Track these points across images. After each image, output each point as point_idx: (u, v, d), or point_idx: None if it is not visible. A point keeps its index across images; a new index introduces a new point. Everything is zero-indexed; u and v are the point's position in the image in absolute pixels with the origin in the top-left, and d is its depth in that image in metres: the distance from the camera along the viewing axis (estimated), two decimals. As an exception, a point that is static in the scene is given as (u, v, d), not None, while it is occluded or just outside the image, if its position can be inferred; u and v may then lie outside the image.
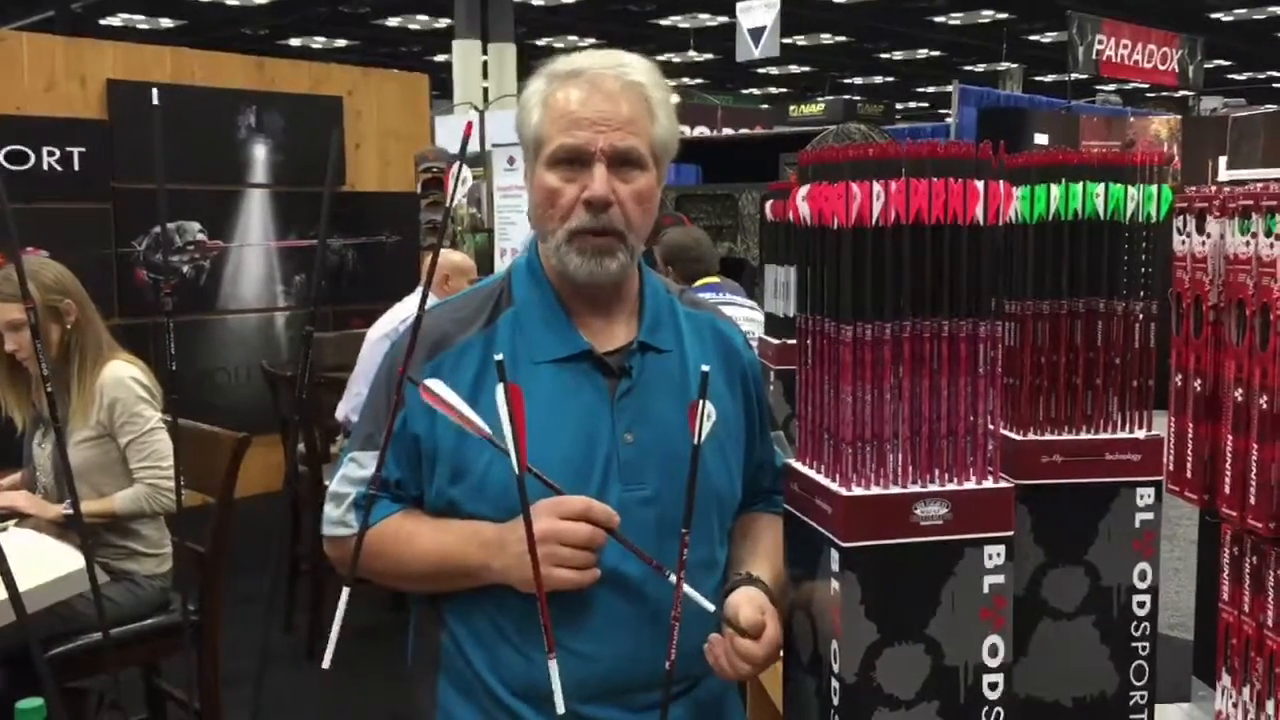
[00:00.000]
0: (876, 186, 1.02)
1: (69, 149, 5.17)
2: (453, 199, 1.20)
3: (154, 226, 5.52)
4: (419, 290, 1.18)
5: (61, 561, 2.19)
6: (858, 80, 27.15)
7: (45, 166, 5.14)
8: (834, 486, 1.05)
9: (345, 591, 0.99)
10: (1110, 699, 1.26)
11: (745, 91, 28.07)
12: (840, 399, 1.05)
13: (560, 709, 1.01)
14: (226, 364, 5.77)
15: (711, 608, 1.17)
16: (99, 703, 2.52)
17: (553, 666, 1.00)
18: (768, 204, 2.22)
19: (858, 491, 1.04)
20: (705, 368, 1.04)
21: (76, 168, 5.20)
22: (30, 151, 5.09)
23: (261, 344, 5.90)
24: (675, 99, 1.38)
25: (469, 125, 1.07)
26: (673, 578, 1.17)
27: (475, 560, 1.26)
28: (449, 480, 1.29)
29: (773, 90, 28.08)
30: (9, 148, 5.04)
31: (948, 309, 1.05)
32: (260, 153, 5.93)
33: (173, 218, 5.60)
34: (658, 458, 1.29)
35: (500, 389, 1.00)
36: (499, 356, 0.97)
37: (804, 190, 1.11)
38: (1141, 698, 1.26)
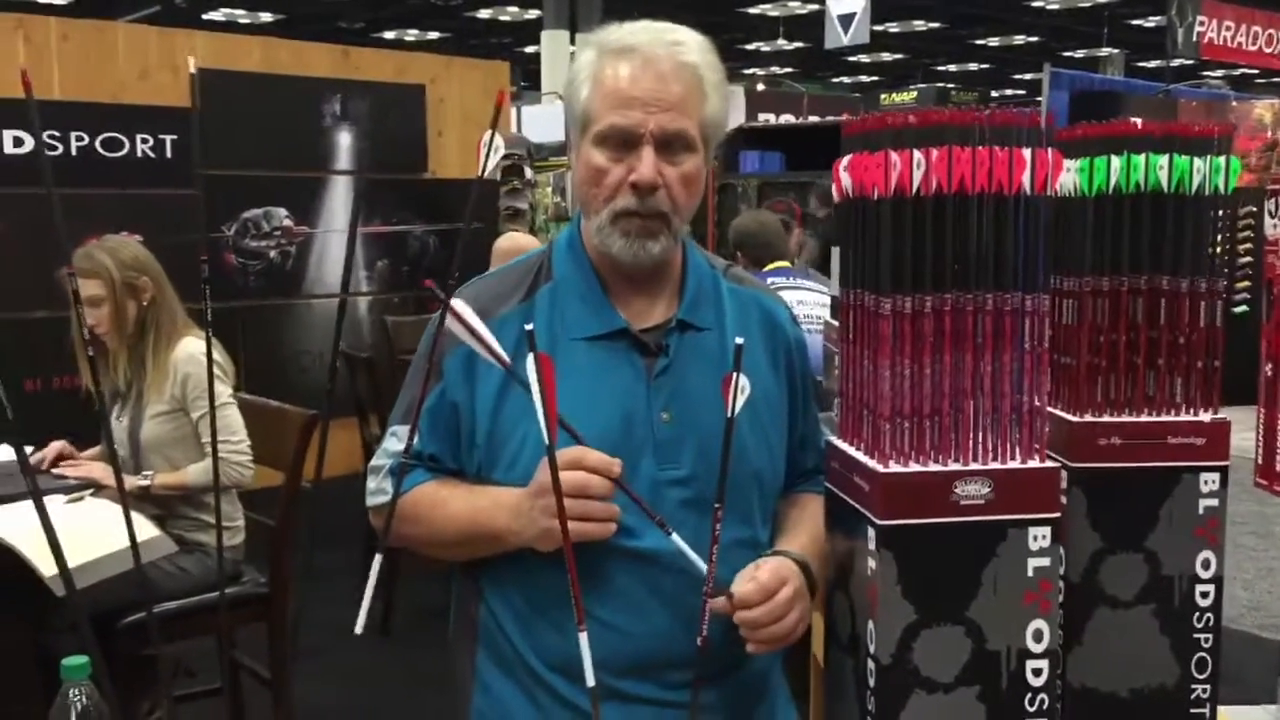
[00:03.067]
0: (917, 155, 0.99)
1: (161, 136, 5.31)
2: (484, 169, 1.19)
3: (242, 212, 5.65)
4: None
5: (138, 529, 2.24)
6: (952, 67, 26.64)
7: (139, 153, 5.29)
8: (871, 464, 1.03)
9: (377, 559, 0.99)
10: (1170, 692, 1.22)
11: (836, 80, 27.74)
12: (879, 374, 1.03)
13: (590, 681, 1.00)
14: (310, 347, 5.88)
15: (704, 569, 1.15)
16: (174, 670, 2.59)
17: (583, 639, 0.99)
18: (834, 186, 2.20)
19: (895, 469, 1.01)
20: (739, 340, 1.03)
21: (169, 154, 5.34)
22: (125, 139, 5.24)
23: (345, 328, 6.00)
24: (725, 79, 1.35)
25: (501, 94, 1.07)
26: (674, 535, 1.16)
27: (500, 524, 1.25)
28: (485, 450, 1.29)
29: (864, 79, 27.70)
30: (105, 135, 5.20)
31: (992, 282, 1.01)
32: (344, 140, 6.03)
33: (259, 204, 5.73)
34: (695, 437, 1.28)
35: (530, 359, 0.99)
36: (529, 326, 0.97)
37: (845, 161, 1.08)
38: (1204, 691, 1.21)
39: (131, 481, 2.62)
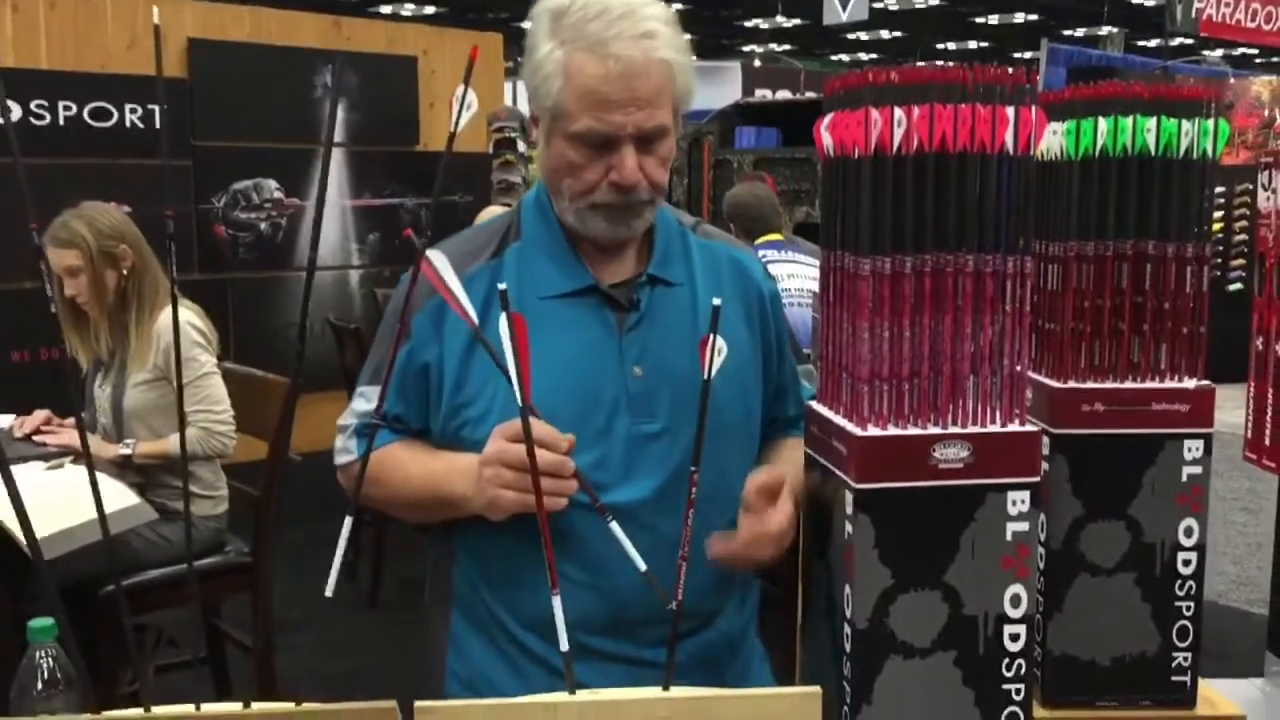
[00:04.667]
0: (898, 112, 0.97)
1: (150, 106, 5.27)
2: (456, 124, 1.18)
3: (233, 183, 5.61)
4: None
5: (117, 497, 2.24)
6: (951, 45, 26.52)
7: (128, 124, 5.25)
8: (849, 427, 1.01)
9: (347, 521, 0.98)
10: (1151, 659, 1.21)
11: (835, 58, 27.61)
12: (858, 336, 1.01)
13: (564, 646, 0.99)
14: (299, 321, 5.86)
15: (643, 566, 1.13)
16: (157, 639, 2.58)
17: (556, 603, 0.98)
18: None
19: (873, 432, 1.00)
20: (717, 301, 1.01)
21: (158, 124, 5.31)
22: (113, 109, 5.20)
23: (334, 300, 5.98)
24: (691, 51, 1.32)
25: (474, 49, 1.05)
26: (613, 524, 1.14)
27: (457, 490, 1.24)
28: (453, 409, 1.28)
29: (862, 56, 27.57)
30: (94, 104, 5.16)
31: (974, 243, 1.00)
32: (338, 113, 5.99)
33: (249, 175, 5.69)
34: (668, 391, 1.27)
35: (504, 319, 0.97)
36: (503, 285, 0.95)
37: (827, 119, 1.06)
38: (1185, 660, 1.21)
39: (113, 450, 2.60)
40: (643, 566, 1.11)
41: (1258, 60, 20.16)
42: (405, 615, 3.70)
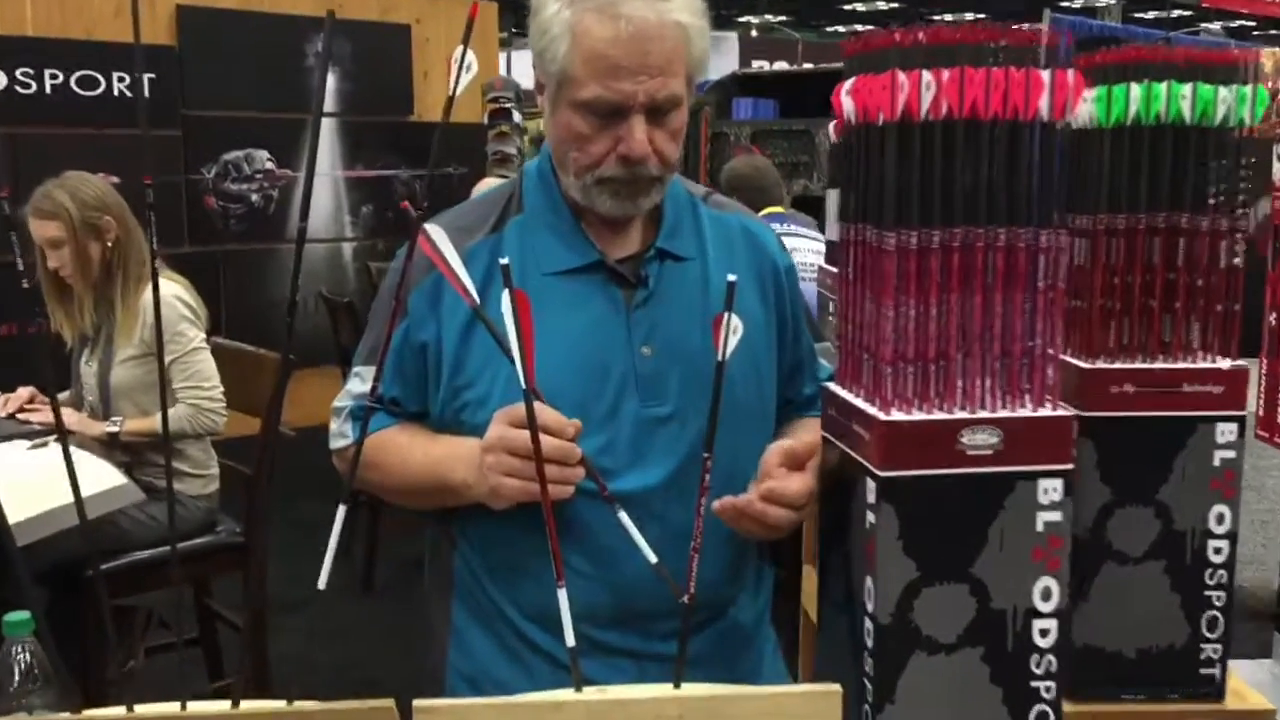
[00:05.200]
0: (927, 76, 0.91)
1: (139, 75, 5.18)
2: (456, 87, 1.11)
3: (223, 154, 5.53)
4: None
5: (102, 477, 2.18)
6: (947, 16, 26.32)
7: (115, 92, 5.15)
8: (872, 410, 0.96)
9: (341, 510, 0.92)
10: (1179, 651, 1.16)
11: (830, 29, 27.41)
12: (881, 315, 0.95)
13: (570, 641, 0.94)
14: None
15: (654, 558, 1.08)
16: (146, 621, 2.53)
17: (562, 596, 0.93)
18: (831, 124, 2.11)
19: (898, 416, 0.94)
20: (732, 277, 0.95)
21: (146, 94, 5.21)
22: (100, 77, 5.11)
23: (327, 273, 5.91)
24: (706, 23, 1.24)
25: (474, 7, 0.98)
26: (621, 514, 1.09)
27: (458, 477, 1.19)
28: (452, 391, 1.22)
29: (859, 27, 27.35)
30: (80, 73, 5.06)
31: (1005, 215, 0.94)
32: (328, 81, 5.88)
33: (241, 145, 5.60)
34: (678, 372, 1.21)
35: (505, 296, 0.92)
36: (504, 261, 0.89)
37: (848, 84, 1.00)
38: (1214, 651, 1.16)
39: (100, 428, 2.54)
40: (653, 559, 1.06)
41: (1255, 32, 20.03)
42: (401, 598, 3.65)
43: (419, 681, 1.30)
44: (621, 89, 1.14)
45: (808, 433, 1.26)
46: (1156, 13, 20.35)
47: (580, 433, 1.10)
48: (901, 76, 0.91)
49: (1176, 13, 10.94)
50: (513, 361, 0.90)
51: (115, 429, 2.54)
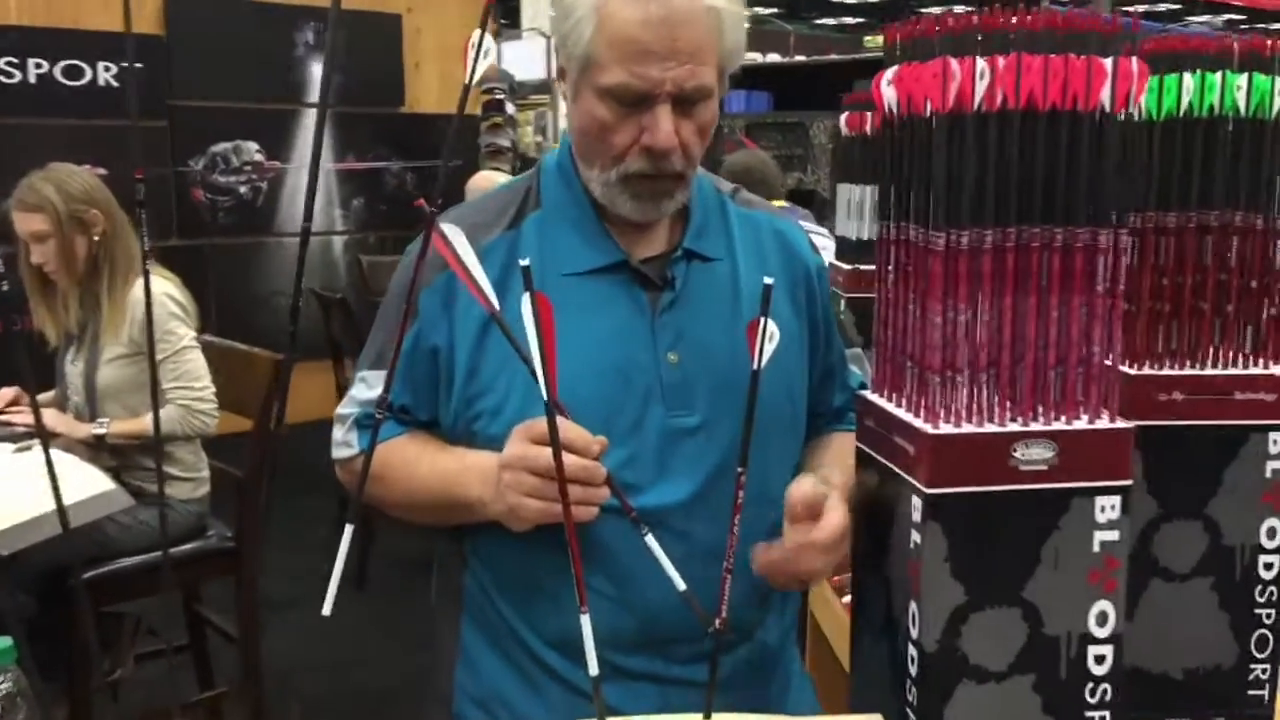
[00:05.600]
0: (981, 63, 0.85)
1: (125, 64, 5.08)
2: (472, 75, 1.05)
3: (211, 145, 5.43)
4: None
5: (89, 482, 2.11)
6: (936, 10, 26.22)
7: (101, 82, 5.06)
8: (918, 423, 0.90)
9: (348, 531, 0.86)
10: (1226, 672, 1.11)
11: (819, 22, 27.33)
12: (927, 320, 0.89)
13: (594, 669, 0.88)
14: (284, 288, 5.68)
15: (682, 585, 1.01)
16: (135, 628, 2.46)
17: (585, 623, 0.87)
18: (843, 118, 2.05)
19: (946, 430, 0.88)
20: (769, 280, 0.89)
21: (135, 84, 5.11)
22: (86, 66, 5.01)
23: (318, 268, 5.82)
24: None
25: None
26: (649, 538, 1.02)
27: (474, 493, 1.11)
28: (465, 400, 1.15)
29: (848, 20, 27.28)
30: (65, 62, 4.96)
31: (1062, 214, 0.88)
32: (318, 71, 5.80)
33: (229, 137, 5.51)
34: (706, 381, 1.14)
35: (526, 299, 0.85)
36: (525, 262, 0.82)
37: (890, 73, 0.93)
38: (1263, 672, 1.10)
39: (86, 429, 2.45)
40: (682, 586, 0.99)
41: (1243, 26, 20.02)
42: (395, 596, 3.58)
43: (424, 702, 1.24)
44: (648, 75, 1.07)
45: (835, 456, 1.19)
46: (1146, 6, 20.33)
47: (605, 450, 1.03)
48: (954, 64, 0.85)
49: (1164, 5, 10.91)
50: (533, 373, 0.83)
51: (102, 431, 2.46)
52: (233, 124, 5.52)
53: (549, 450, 1.01)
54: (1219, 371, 1.07)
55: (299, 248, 0.73)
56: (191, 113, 5.31)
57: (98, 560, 2.34)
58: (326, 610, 0.88)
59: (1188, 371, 1.07)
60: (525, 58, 10.80)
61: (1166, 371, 1.07)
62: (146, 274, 0.78)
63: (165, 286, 2.52)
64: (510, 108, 5.78)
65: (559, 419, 0.88)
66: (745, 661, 1.16)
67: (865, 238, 1.96)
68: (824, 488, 1.06)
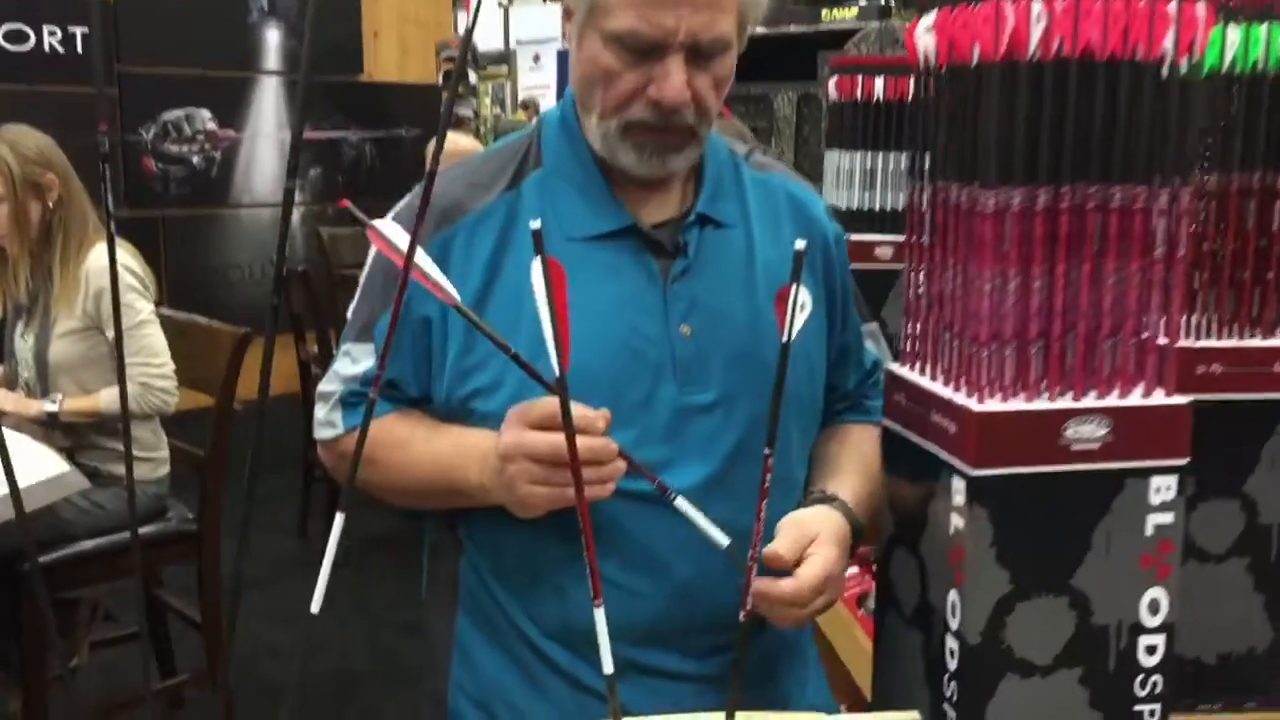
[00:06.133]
0: (1037, 7, 0.78)
1: (71, 28, 4.88)
2: (471, 27, 0.98)
3: (162, 113, 5.25)
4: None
5: (43, 464, 1.99)
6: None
7: (46, 47, 4.86)
8: (961, 399, 0.83)
9: (338, 523, 0.77)
10: (1260, 657, 1.07)
11: (777, -7, 27.19)
12: (972, 287, 0.82)
13: (608, 668, 0.80)
14: (239, 261, 5.53)
15: (724, 541, 0.94)
16: (92, 614, 2.35)
17: (599, 617, 0.79)
18: (832, 81, 1.98)
19: (992, 406, 0.81)
20: (800, 244, 0.81)
21: (79, 48, 4.92)
22: (30, 30, 4.81)
23: (274, 240, 5.66)
24: None
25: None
26: (678, 501, 0.95)
27: (471, 478, 1.02)
28: (459, 374, 1.05)
29: (806, -9, 27.18)
30: (8, 26, 4.76)
31: (1120, 172, 0.81)
32: (273, 37, 5.62)
33: (181, 104, 5.33)
34: (722, 355, 1.05)
35: (536, 264, 0.77)
36: (535, 224, 0.74)
37: (928, 19, 0.86)
38: (1298, 657, 1.06)
39: (36, 407, 2.33)
40: (724, 540, 0.92)
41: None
42: (367, 573, 3.49)
43: (418, 704, 1.16)
44: (661, 22, 0.98)
45: (851, 457, 1.12)
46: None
47: (610, 424, 0.95)
48: (1007, 7, 0.78)
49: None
50: (519, 360, 0.74)
51: (54, 408, 2.33)
52: (184, 91, 5.33)
53: (550, 435, 0.93)
54: (1259, 343, 1.02)
55: (283, 205, 0.64)
56: (141, 79, 5.12)
57: (52, 545, 2.22)
58: (315, 607, 0.80)
59: (1227, 343, 1.02)
60: (484, 26, 10.63)
61: (1205, 343, 1.02)
62: (112, 240, 0.69)
63: (122, 256, 2.39)
64: (473, 76, 5.66)
65: (554, 399, 0.79)
66: (764, 652, 1.09)
67: (856, 207, 1.89)
68: (800, 537, 0.98)
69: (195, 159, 5.39)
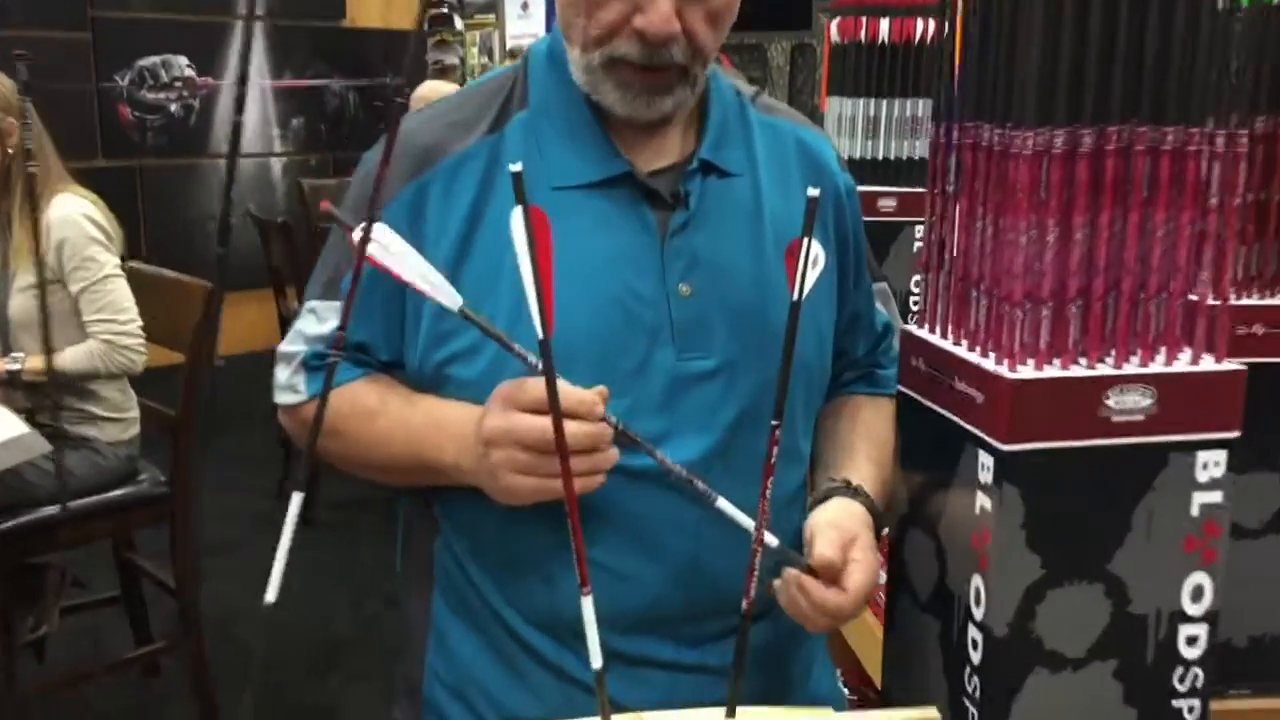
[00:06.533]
0: (1085, -79, 0.68)
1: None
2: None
3: (138, 60, 5.10)
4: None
5: (4, 425, 1.90)
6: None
7: (16, -10, 4.70)
8: (990, 366, 0.74)
9: (294, 503, 0.69)
10: (1292, 638, 0.99)
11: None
12: (1005, 240, 0.74)
13: (596, 662, 0.73)
14: (218, 212, 5.41)
15: (775, 542, 0.86)
16: (61, 580, 2.27)
17: (587, 606, 0.71)
18: (833, 24, 1.89)
19: (1026, 373, 0.73)
20: (813, 191, 0.72)
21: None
22: (-3, -28, 4.65)
23: (256, 191, 5.52)
24: None
25: None
26: (720, 502, 0.87)
27: (447, 458, 0.93)
28: (435, 337, 0.95)
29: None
30: (-24, -31, 4.61)
31: (1174, 112, 0.72)
32: (252, -19, 5.47)
33: (157, 50, 5.17)
34: (725, 317, 0.95)
35: (517, 214, 0.68)
36: (516, 166, 0.65)
37: (958, -61, 0.77)
38: (1334, 638, 0.99)
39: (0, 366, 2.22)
40: (749, 522, 0.84)
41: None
42: (337, 536, 3.41)
43: (393, 688, 1.08)
44: None
45: (865, 437, 1.02)
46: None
47: (606, 401, 0.85)
48: (1052, -77, 0.69)
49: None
50: (503, 343, 0.65)
51: (16, 367, 2.23)
52: (161, 37, 5.18)
53: (544, 421, 0.84)
54: (1303, 302, 0.94)
55: (230, 140, 0.55)
56: (115, 24, 4.97)
57: (14, 509, 2.13)
58: (270, 596, 0.72)
59: (1267, 302, 0.94)
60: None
61: (1244, 302, 0.94)
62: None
63: (84, 206, 2.27)
64: (459, 23, 5.51)
65: (546, 380, 0.71)
66: (768, 637, 1.00)
67: (859, 155, 1.80)
68: (844, 542, 0.89)
69: (173, 107, 5.25)
